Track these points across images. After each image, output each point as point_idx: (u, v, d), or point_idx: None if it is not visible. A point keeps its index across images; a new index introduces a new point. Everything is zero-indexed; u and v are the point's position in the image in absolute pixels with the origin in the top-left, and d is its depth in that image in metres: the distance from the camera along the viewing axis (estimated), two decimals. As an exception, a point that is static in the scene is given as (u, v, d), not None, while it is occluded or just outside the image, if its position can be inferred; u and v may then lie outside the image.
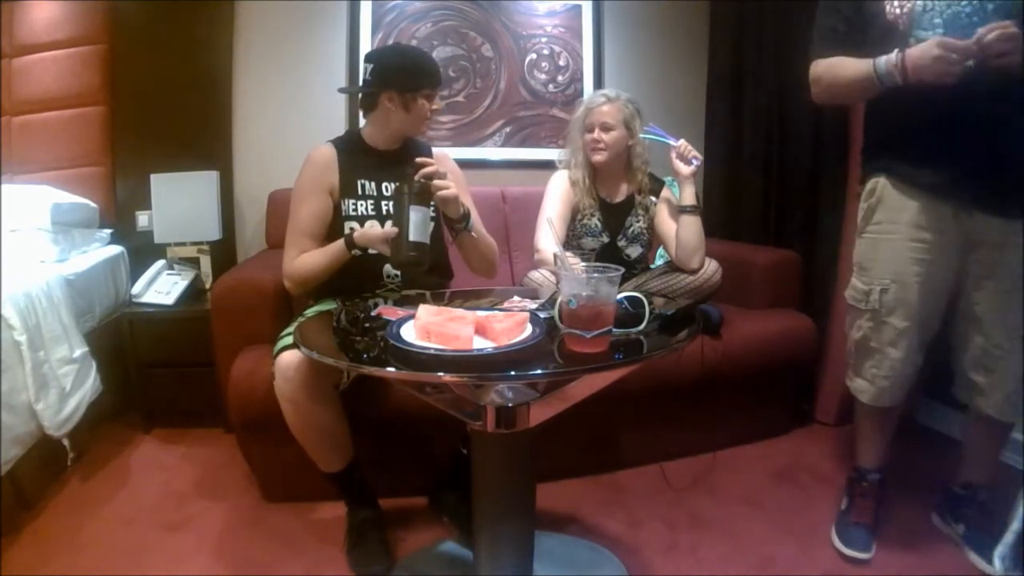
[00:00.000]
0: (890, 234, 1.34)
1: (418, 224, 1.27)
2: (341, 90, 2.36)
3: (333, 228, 1.46)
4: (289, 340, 1.26)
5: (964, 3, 1.18)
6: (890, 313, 1.35)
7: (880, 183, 1.36)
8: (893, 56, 1.19)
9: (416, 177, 1.28)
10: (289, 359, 1.23)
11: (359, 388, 1.43)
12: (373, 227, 1.44)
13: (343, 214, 1.46)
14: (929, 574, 1.36)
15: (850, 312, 1.47)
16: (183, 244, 2.22)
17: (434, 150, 1.62)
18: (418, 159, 1.31)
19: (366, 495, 1.44)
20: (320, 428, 1.30)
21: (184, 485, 1.70)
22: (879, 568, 1.38)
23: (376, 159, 1.50)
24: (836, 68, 1.32)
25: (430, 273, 1.52)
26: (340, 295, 1.37)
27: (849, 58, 1.29)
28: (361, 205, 1.47)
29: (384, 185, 1.49)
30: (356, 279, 1.45)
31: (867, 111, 1.43)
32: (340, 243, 1.38)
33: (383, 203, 1.48)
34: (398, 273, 1.49)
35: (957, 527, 1.45)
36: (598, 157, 1.77)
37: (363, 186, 1.48)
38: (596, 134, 1.76)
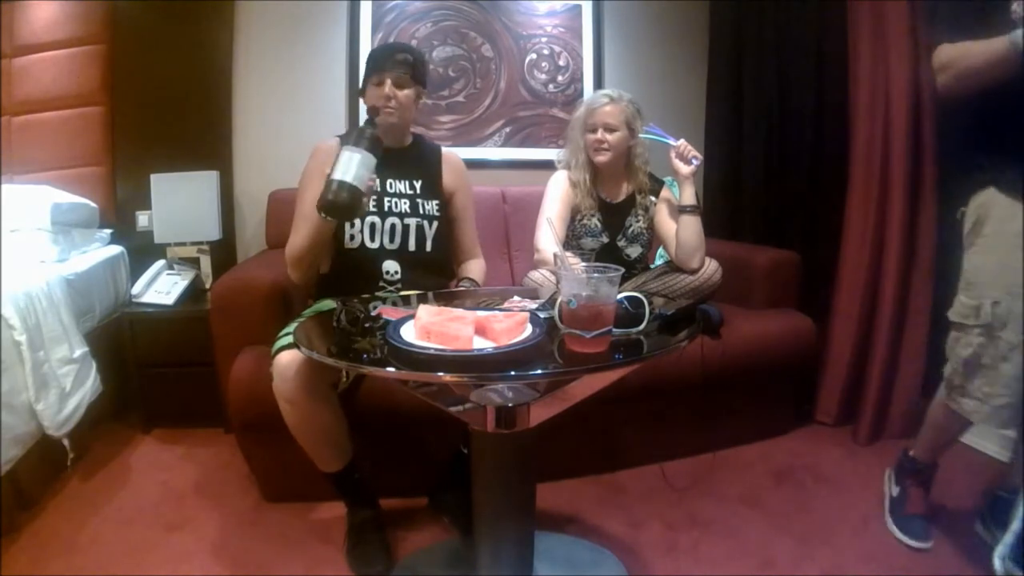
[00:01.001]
0: (999, 246, 1.29)
1: (345, 164, 1.21)
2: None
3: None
4: (287, 340, 1.26)
5: None
6: (1003, 327, 1.28)
7: (988, 194, 1.31)
8: None
9: None
10: (287, 359, 1.23)
11: (359, 388, 1.43)
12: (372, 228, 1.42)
13: None
14: (930, 573, 1.36)
15: (955, 331, 1.38)
16: (183, 244, 2.22)
17: (444, 150, 1.62)
18: None
19: (366, 495, 1.44)
20: (318, 428, 1.29)
21: (184, 485, 1.70)
22: (879, 568, 1.38)
23: (381, 155, 1.50)
24: (970, 49, 1.25)
25: (430, 273, 1.52)
26: (340, 295, 1.37)
27: (978, 41, 1.23)
28: None
29: (388, 182, 1.49)
30: (356, 279, 1.45)
31: (973, 121, 1.38)
32: (313, 209, 1.33)
33: (385, 199, 1.48)
34: (398, 271, 1.48)
35: (999, 533, 1.39)
36: (601, 158, 1.77)
37: None
38: (600, 134, 1.75)
